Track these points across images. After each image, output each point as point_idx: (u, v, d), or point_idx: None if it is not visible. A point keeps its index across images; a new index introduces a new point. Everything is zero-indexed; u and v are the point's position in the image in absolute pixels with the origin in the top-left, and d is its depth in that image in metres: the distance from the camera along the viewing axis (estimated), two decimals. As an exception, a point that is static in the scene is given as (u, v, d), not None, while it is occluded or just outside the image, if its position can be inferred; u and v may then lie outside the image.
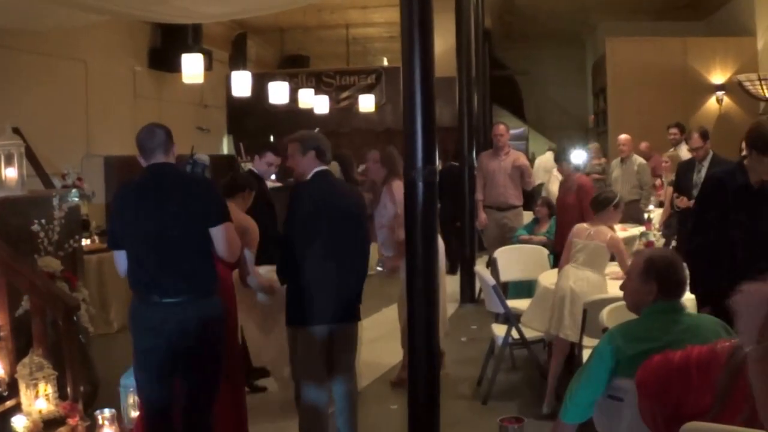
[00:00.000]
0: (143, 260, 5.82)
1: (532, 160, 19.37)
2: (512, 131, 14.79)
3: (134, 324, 5.94)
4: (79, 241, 8.54)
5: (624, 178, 14.14)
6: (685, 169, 10.67)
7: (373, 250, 8.73)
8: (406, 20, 6.35)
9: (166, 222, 5.75)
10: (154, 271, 5.78)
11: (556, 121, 28.43)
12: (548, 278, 8.90)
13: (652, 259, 4.79)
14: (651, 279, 4.69)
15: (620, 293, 5.01)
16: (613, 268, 8.59)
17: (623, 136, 14.59)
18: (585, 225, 8.47)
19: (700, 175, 10.21)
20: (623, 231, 11.34)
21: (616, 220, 8.74)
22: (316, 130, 21.99)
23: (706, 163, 10.29)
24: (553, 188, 13.72)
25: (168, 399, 5.94)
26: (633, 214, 12.57)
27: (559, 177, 12.47)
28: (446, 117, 15.54)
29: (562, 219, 10.59)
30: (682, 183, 10.57)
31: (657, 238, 10.96)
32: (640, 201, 13.61)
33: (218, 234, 5.86)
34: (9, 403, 7.00)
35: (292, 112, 20.88)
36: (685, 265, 4.92)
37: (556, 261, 9.56)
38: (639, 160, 14.28)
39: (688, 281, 4.87)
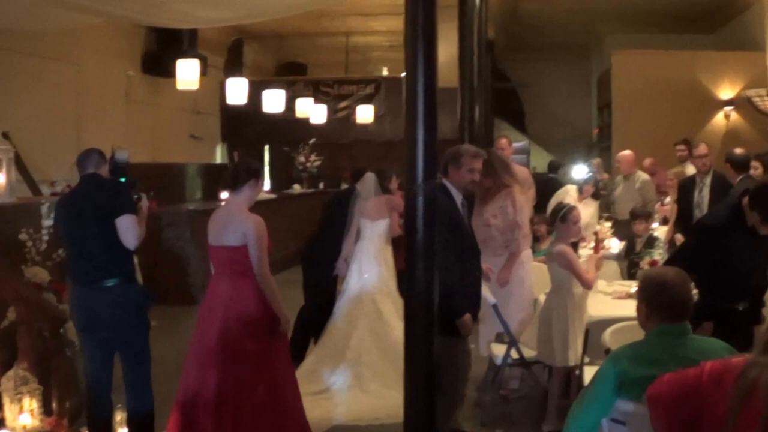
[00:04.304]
0: (71, 251, 6.89)
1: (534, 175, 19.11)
2: (514, 144, 14.47)
3: (70, 307, 7.10)
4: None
5: (627, 195, 13.87)
6: (686, 188, 10.50)
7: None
8: (409, 30, 6.14)
9: (85, 218, 6.69)
10: (77, 260, 6.81)
11: (559, 135, 28.13)
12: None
13: (644, 279, 4.81)
14: (643, 300, 4.64)
15: (623, 313, 4.91)
16: (616, 287, 8.61)
17: (621, 153, 14.36)
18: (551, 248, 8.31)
19: (702, 194, 10.02)
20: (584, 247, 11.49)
21: (573, 235, 8.49)
22: (312, 140, 21.88)
23: (707, 181, 10.07)
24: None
25: (102, 374, 6.84)
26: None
27: (575, 196, 12.36)
28: (447, 129, 15.29)
29: None
30: (683, 203, 10.38)
31: (662, 257, 10.66)
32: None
33: (119, 224, 6.65)
34: (-8, 418, 6.97)
35: (288, 121, 20.67)
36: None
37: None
38: (642, 176, 14.03)
39: (688, 303, 4.60)
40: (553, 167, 19.17)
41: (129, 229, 6.67)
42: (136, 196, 7.02)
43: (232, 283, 6.79)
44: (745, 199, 6.38)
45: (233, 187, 7.03)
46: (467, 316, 6.97)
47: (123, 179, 7.36)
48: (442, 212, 6.84)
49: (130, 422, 6.83)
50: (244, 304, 6.74)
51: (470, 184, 7.28)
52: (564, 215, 8.06)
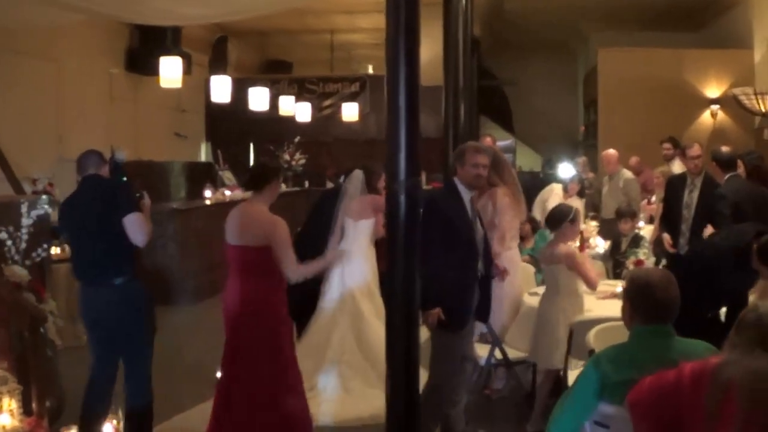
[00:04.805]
0: (76, 251, 7.07)
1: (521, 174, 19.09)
2: (499, 143, 14.42)
3: (78, 304, 7.28)
4: (48, 250, 8.46)
5: (612, 194, 13.84)
6: (675, 185, 10.30)
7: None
8: (392, 26, 6.03)
9: (89, 218, 6.85)
10: (82, 259, 6.99)
11: (545, 134, 28.10)
12: (533, 297, 8.75)
13: (629, 279, 4.77)
14: (627, 300, 4.62)
15: (608, 313, 4.87)
16: (602, 287, 8.47)
17: (605, 152, 14.35)
18: (547, 248, 8.23)
19: (692, 195, 9.89)
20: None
21: (575, 236, 8.58)
22: (297, 139, 21.80)
23: (698, 182, 9.94)
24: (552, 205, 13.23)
25: (106, 372, 7.04)
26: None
27: (560, 193, 12.28)
28: (431, 127, 15.25)
29: None
30: (671, 200, 10.24)
31: (647, 256, 10.60)
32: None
33: (127, 222, 6.77)
34: (-29, 419, 6.91)
35: (272, 119, 20.65)
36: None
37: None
38: (626, 174, 14.01)
39: (672, 305, 4.51)
40: (548, 165, 19.25)
41: (137, 227, 6.81)
42: (138, 195, 7.17)
43: (245, 283, 6.96)
44: (756, 248, 6.31)
45: (256, 187, 7.16)
46: (436, 310, 6.94)
47: (124, 178, 7.49)
48: (441, 210, 7.12)
49: (128, 419, 6.85)
50: (256, 305, 6.95)
51: (475, 179, 7.24)
52: (573, 218, 8.04)
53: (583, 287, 8.09)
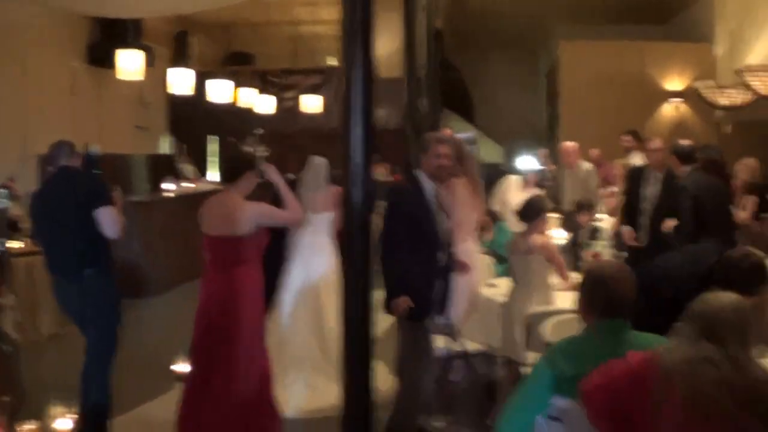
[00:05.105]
0: (48, 243, 7.27)
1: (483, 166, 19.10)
2: (461, 135, 14.42)
3: (54, 297, 7.45)
4: (3, 244, 8.38)
5: (572, 187, 13.89)
6: (636, 177, 10.37)
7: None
8: (348, 17, 6.02)
9: (62, 210, 7.03)
10: (54, 252, 7.17)
11: (508, 127, 28.01)
12: (492, 289, 8.91)
13: (586, 273, 4.86)
14: (582, 293, 4.62)
15: (565, 305, 4.86)
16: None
17: (565, 145, 14.42)
18: (519, 239, 8.26)
19: (653, 188, 9.97)
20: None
21: (546, 228, 8.65)
22: (258, 131, 21.72)
23: (659, 176, 10.01)
24: (511, 197, 13.25)
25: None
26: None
27: (519, 185, 12.32)
28: (393, 119, 15.29)
29: None
30: (632, 193, 10.30)
31: (605, 248, 10.65)
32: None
33: (100, 216, 6.96)
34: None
35: (235, 111, 20.61)
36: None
37: (506, 271, 9.28)
38: (586, 166, 14.06)
39: (626, 299, 4.51)
40: (510, 157, 19.34)
41: (110, 221, 7.02)
42: (110, 188, 7.29)
43: (226, 273, 7.00)
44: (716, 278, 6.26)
45: (231, 179, 7.23)
46: (403, 299, 7.00)
47: (97, 172, 7.54)
48: (404, 202, 7.28)
49: (86, 412, 6.92)
50: (243, 293, 7.02)
51: (438, 170, 7.32)
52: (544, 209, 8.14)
53: (552, 279, 8.16)
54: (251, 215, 6.99)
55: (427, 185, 7.28)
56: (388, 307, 7.12)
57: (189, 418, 7.02)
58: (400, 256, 6.97)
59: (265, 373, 7.27)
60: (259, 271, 7.22)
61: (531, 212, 8.25)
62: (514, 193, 13.12)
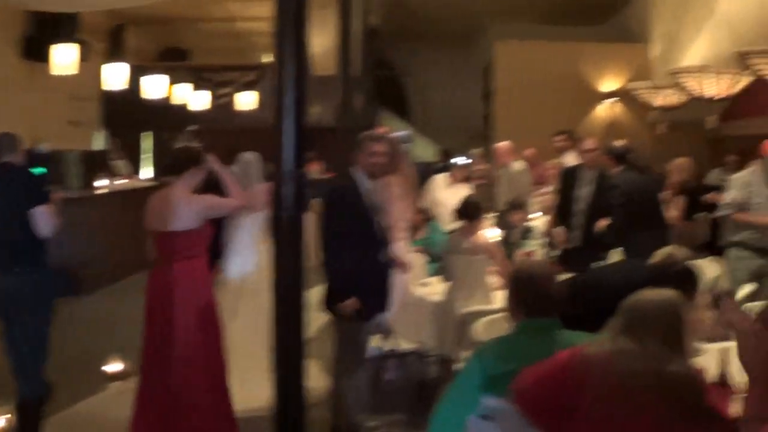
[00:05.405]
0: None
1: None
2: (396, 133, 14.45)
3: None
4: None
5: (505, 186, 13.97)
6: (569, 177, 10.40)
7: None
8: (280, 12, 6.01)
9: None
10: None
11: (444, 125, 28.02)
12: (424, 288, 9.01)
13: (514, 272, 4.86)
14: (510, 293, 4.63)
15: (497, 305, 4.86)
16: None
17: (498, 144, 14.51)
18: (457, 238, 8.30)
19: (586, 189, 10.01)
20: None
21: (483, 225, 8.69)
22: (192, 127, 21.59)
23: (592, 176, 10.06)
24: (440, 195, 13.28)
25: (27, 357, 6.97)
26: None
27: (446, 183, 12.32)
28: (328, 116, 15.26)
29: None
30: (564, 192, 10.34)
31: (536, 247, 10.71)
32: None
33: (35, 214, 6.86)
34: None
35: (170, 107, 20.54)
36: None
37: (439, 270, 9.31)
38: (517, 166, 14.15)
39: (554, 298, 4.56)
40: (445, 155, 19.37)
41: (45, 220, 6.94)
42: (49, 188, 7.34)
43: (182, 267, 7.07)
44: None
45: (176, 172, 7.35)
46: (351, 301, 7.05)
47: (42, 170, 7.46)
48: (340, 200, 7.36)
49: (20, 410, 6.94)
50: (196, 286, 7.16)
51: (373, 167, 7.34)
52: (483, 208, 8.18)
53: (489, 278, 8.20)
54: (198, 208, 7.10)
55: (364, 183, 7.29)
56: (331, 308, 7.14)
57: (141, 416, 7.05)
58: (343, 256, 7.02)
59: (219, 366, 7.37)
60: (207, 263, 7.31)
61: (471, 211, 8.27)
62: (442, 191, 13.16)
